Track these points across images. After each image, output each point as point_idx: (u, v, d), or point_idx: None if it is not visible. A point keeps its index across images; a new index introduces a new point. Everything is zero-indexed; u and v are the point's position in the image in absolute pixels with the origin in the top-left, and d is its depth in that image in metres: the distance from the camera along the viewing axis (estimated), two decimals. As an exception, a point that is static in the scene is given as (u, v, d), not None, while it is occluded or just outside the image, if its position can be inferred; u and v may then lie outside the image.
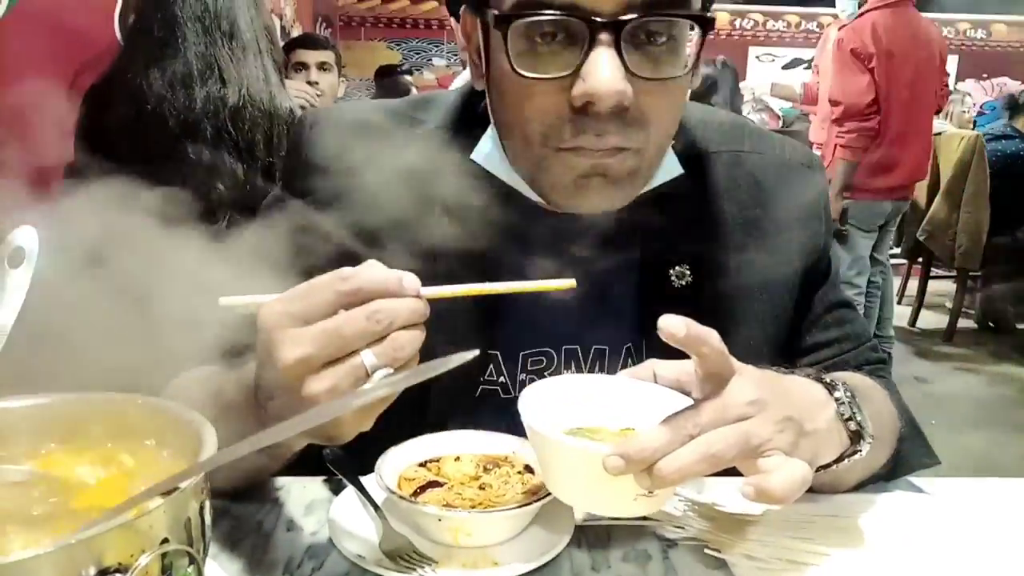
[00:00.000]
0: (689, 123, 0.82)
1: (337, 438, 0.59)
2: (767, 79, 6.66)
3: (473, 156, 0.79)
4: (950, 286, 5.13)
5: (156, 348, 0.62)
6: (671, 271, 0.79)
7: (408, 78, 4.21)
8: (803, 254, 0.84)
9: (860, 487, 0.78)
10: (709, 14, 0.66)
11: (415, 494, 0.69)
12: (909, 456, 0.79)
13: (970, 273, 4.81)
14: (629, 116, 0.66)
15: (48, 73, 1.77)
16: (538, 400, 0.64)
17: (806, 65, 6.81)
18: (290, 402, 0.54)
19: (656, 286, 0.79)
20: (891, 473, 0.79)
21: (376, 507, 0.70)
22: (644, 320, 0.77)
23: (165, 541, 0.39)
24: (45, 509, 0.44)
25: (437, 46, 6.53)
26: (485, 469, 0.73)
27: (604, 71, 0.62)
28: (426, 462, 0.75)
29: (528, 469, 0.73)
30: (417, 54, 6.59)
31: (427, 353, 0.74)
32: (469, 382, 0.82)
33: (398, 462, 0.73)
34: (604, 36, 0.62)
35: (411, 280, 0.56)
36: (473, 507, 0.67)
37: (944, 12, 6.57)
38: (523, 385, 0.80)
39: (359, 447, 0.63)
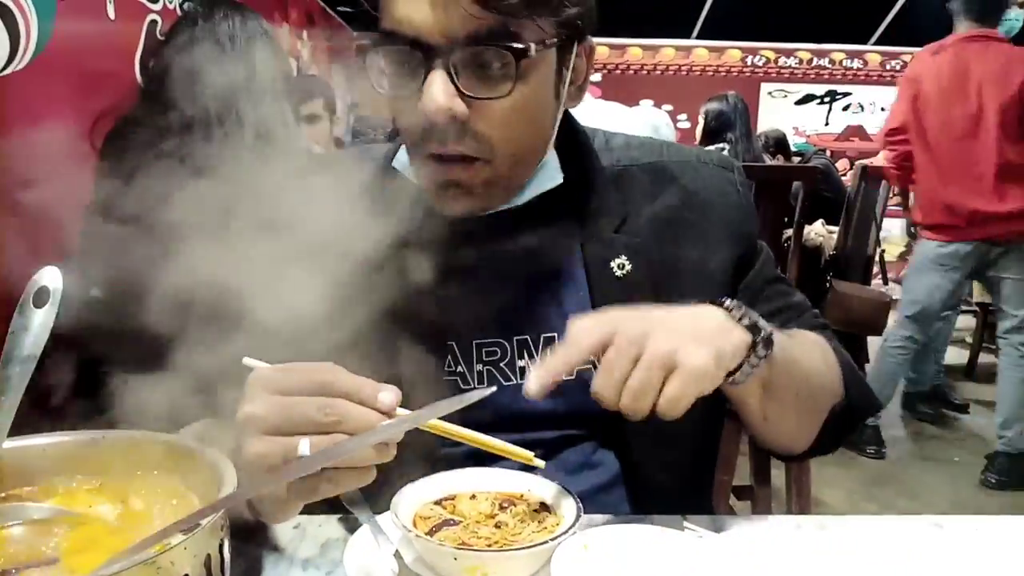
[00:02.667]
0: (613, 144, 0.95)
1: (269, 515, 0.65)
2: (779, 114, 6.72)
3: (394, 162, 0.89)
4: (970, 321, 5.07)
5: (172, 390, 0.63)
6: (612, 263, 0.87)
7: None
8: (731, 242, 0.92)
9: (829, 440, 0.88)
10: (525, 46, 0.74)
11: (431, 532, 0.69)
12: (858, 397, 0.89)
13: (989, 307, 4.76)
14: (469, 129, 0.76)
15: (71, 116, 1.82)
16: (570, 558, 0.63)
17: (819, 100, 6.85)
18: (236, 454, 0.58)
19: (601, 275, 0.87)
20: (847, 411, 0.88)
21: (392, 545, 0.70)
22: (592, 307, 0.86)
23: (185, 578, 0.39)
24: (67, 546, 0.44)
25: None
26: (501, 507, 0.73)
27: (435, 92, 0.73)
28: (441, 500, 0.74)
29: (544, 507, 0.73)
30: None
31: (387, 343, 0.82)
32: (431, 374, 0.85)
33: (413, 500, 0.73)
34: (438, 63, 0.73)
35: (388, 398, 0.61)
36: (489, 546, 0.67)
37: None
38: (480, 376, 0.87)
39: (374, 485, 0.63)
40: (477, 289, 0.86)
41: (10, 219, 1.82)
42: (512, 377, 0.87)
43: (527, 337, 0.87)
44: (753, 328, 0.72)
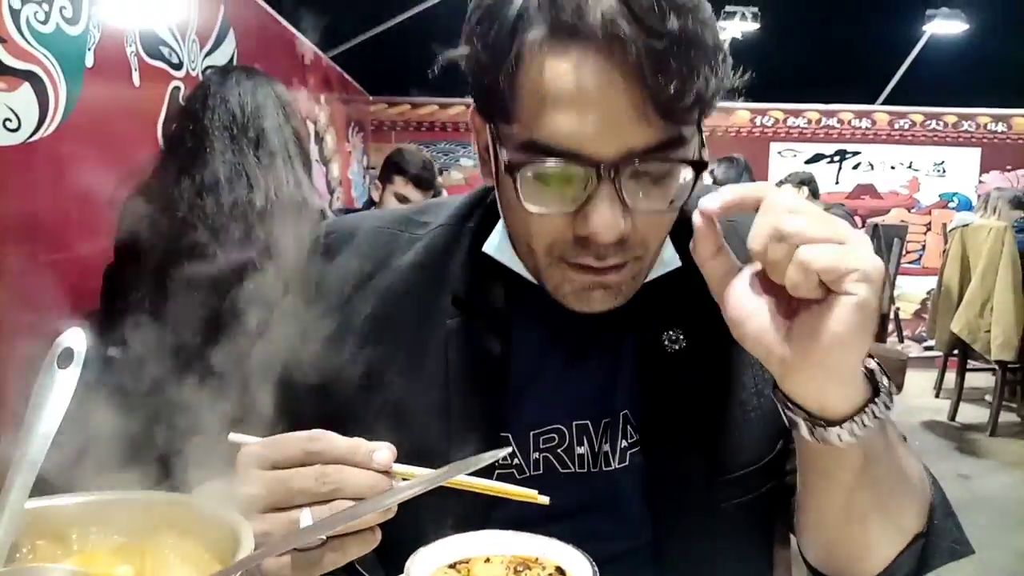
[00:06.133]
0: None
1: None
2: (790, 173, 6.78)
3: (485, 247, 0.83)
4: (989, 379, 5.00)
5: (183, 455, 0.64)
6: (664, 337, 0.82)
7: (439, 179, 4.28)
8: None
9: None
10: (698, 156, 0.71)
11: (445, 593, 0.68)
12: (943, 537, 0.75)
13: (1009, 365, 4.71)
14: (627, 241, 0.71)
15: (95, 180, 1.86)
16: None
17: (828, 160, 6.90)
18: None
19: (653, 354, 0.82)
20: (928, 549, 0.74)
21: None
22: (642, 386, 0.82)
23: (201, 641, 0.39)
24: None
25: (465, 148, 6.72)
26: (516, 571, 0.72)
27: (605, 213, 0.67)
28: (456, 563, 0.74)
29: (559, 571, 0.72)
30: (445, 155, 6.79)
31: (431, 431, 0.79)
32: (485, 467, 0.82)
33: (428, 563, 0.72)
34: (605, 179, 0.67)
35: (382, 457, 0.60)
36: (504, 608, 0.66)
37: (968, 107, 6.68)
38: (536, 464, 0.83)
39: (388, 548, 0.63)
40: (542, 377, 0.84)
41: (35, 278, 1.86)
42: (570, 465, 0.84)
43: (587, 422, 0.84)
44: (873, 376, 0.65)
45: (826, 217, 0.60)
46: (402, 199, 3.37)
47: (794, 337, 0.62)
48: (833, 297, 0.59)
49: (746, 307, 0.64)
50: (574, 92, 0.66)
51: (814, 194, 4.82)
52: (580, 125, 0.66)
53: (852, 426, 0.63)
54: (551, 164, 0.68)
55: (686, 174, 0.70)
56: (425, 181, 3.43)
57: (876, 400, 0.64)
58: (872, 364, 0.65)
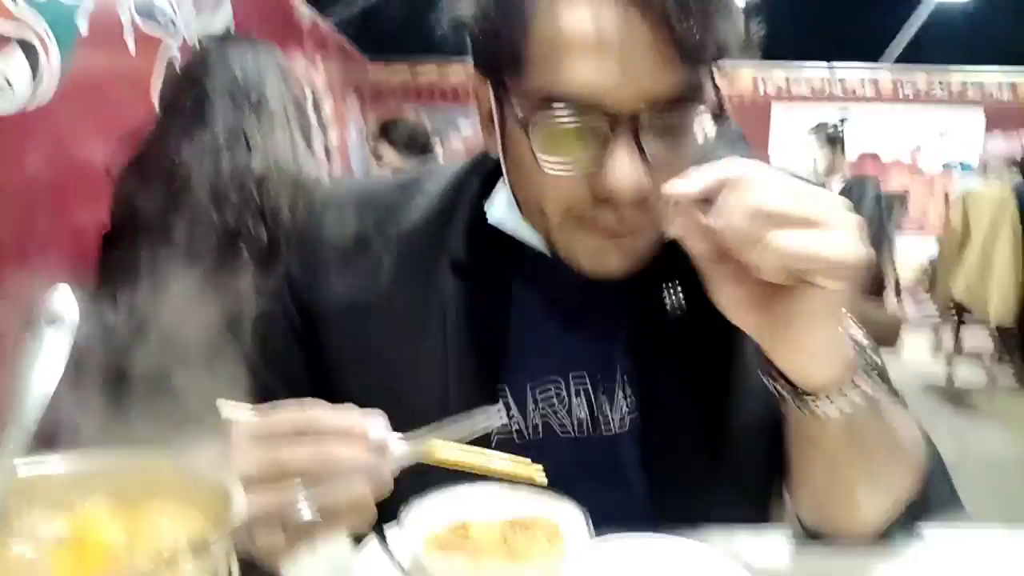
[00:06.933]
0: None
1: (269, 563, 0.62)
2: (792, 138, 6.72)
3: (488, 214, 0.82)
4: (986, 341, 5.02)
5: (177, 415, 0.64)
6: (665, 298, 0.79)
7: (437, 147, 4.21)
8: None
9: (886, 535, 0.75)
10: (718, 98, 0.69)
11: (441, 550, 0.69)
12: (937, 494, 0.77)
13: (1007, 328, 4.71)
14: (648, 200, 0.68)
15: (91, 147, 1.85)
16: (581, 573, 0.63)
17: (831, 126, 6.84)
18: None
19: (653, 315, 0.80)
20: (920, 506, 0.76)
21: (402, 562, 0.69)
22: (642, 347, 0.81)
23: (194, 598, 0.40)
24: (79, 567, 0.45)
25: (465, 114, 6.67)
26: (512, 526, 0.73)
27: (626, 168, 0.65)
28: (452, 517, 0.74)
29: (555, 530, 0.73)
30: (445, 121, 6.74)
31: (428, 391, 0.79)
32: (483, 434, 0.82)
33: (424, 516, 0.73)
34: (625, 130, 0.64)
35: (377, 431, 0.59)
36: (500, 564, 0.67)
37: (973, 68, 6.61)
38: (536, 429, 0.82)
39: (384, 501, 0.63)
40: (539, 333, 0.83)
41: (31, 245, 1.85)
42: (569, 429, 0.83)
43: (584, 374, 0.83)
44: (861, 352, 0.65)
45: (803, 194, 0.58)
46: (391, 169, 3.33)
47: (768, 311, 0.62)
48: (802, 284, 0.58)
49: (721, 273, 0.64)
50: (593, 37, 0.63)
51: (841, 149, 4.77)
52: (600, 73, 0.63)
53: (833, 400, 0.64)
54: (569, 117, 0.65)
55: (705, 125, 0.67)
56: (414, 151, 3.37)
57: (857, 378, 0.64)
58: (862, 339, 0.64)
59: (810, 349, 0.62)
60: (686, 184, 0.61)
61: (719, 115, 0.69)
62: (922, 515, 0.76)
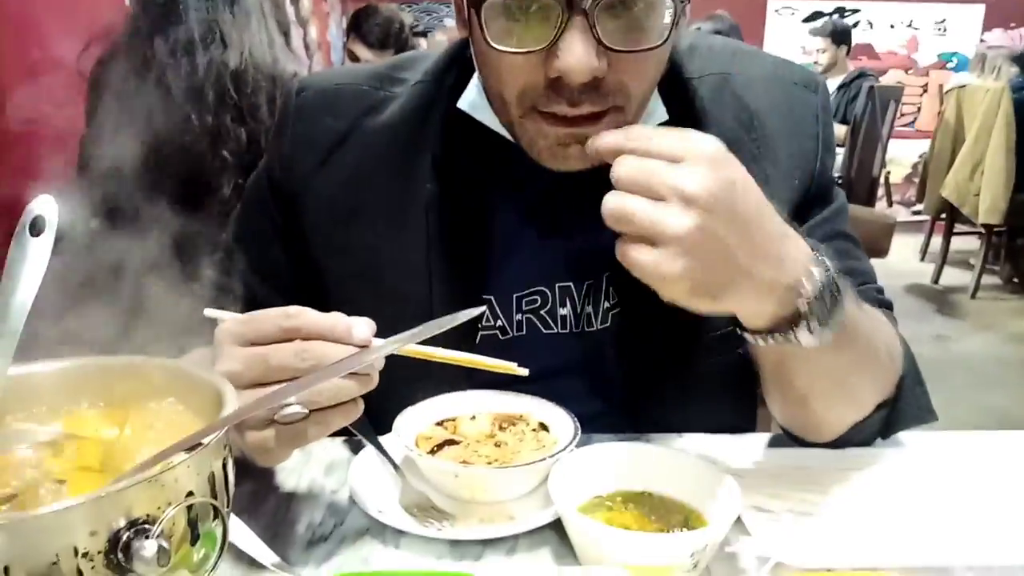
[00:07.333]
0: (675, 51, 0.81)
1: (261, 461, 0.63)
2: (787, 33, 6.55)
3: (459, 103, 0.80)
4: (974, 243, 5.05)
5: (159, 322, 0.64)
6: None
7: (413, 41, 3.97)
8: (793, 174, 0.82)
9: (857, 439, 0.77)
10: None
11: (433, 451, 0.71)
12: (909, 405, 0.78)
13: (995, 229, 4.74)
14: (605, 85, 0.66)
15: (62, 44, 1.78)
16: (566, 472, 0.64)
17: (826, 17, 6.66)
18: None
19: None
20: (892, 417, 0.77)
21: (395, 465, 0.71)
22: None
23: (190, 495, 0.41)
24: (74, 467, 0.46)
25: (448, 8, 6.45)
26: (500, 427, 0.75)
27: (577, 49, 0.63)
28: (443, 421, 0.76)
29: (542, 427, 0.75)
30: (428, 15, 6.52)
31: (412, 300, 0.79)
32: (468, 329, 0.82)
33: (415, 421, 0.75)
34: (577, 11, 0.62)
35: (362, 331, 0.59)
36: (489, 463, 0.69)
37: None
38: (520, 325, 0.83)
39: (377, 408, 0.65)
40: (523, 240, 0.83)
41: (4, 150, 1.81)
42: (553, 326, 0.84)
43: (569, 284, 0.84)
44: (829, 289, 0.63)
45: (653, 160, 0.57)
46: (358, 61, 3.12)
47: None
48: None
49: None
50: None
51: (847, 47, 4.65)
52: None
53: (769, 338, 0.64)
54: None
55: (667, 10, 0.64)
56: (388, 48, 3.16)
57: (794, 327, 0.63)
58: (807, 290, 0.62)
59: (741, 304, 0.62)
60: (605, 138, 0.61)
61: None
62: (896, 423, 0.78)
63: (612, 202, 0.58)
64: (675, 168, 0.57)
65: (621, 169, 0.58)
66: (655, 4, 0.64)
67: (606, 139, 0.61)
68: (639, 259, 0.58)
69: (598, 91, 0.66)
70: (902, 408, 0.77)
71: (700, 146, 0.58)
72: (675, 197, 0.56)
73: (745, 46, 0.90)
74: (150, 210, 0.82)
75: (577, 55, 0.63)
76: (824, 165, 0.84)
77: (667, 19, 0.65)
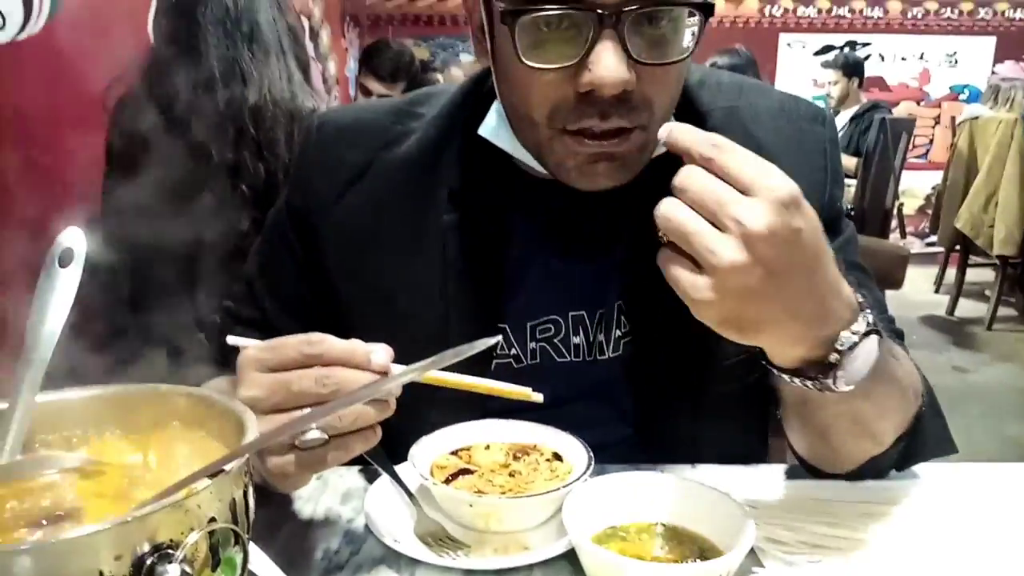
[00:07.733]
0: (687, 85, 0.82)
1: (281, 486, 0.64)
2: (798, 66, 6.59)
3: (480, 131, 0.81)
4: (989, 275, 5.02)
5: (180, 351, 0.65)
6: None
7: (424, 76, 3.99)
8: None
9: (875, 471, 0.76)
10: (708, 2, 0.67)
11: (447, 481, 0.71)
12: (929, 436, 0.77)
13: (1010, 260, 4.71)
14: (632, 99, 0.68)
15: (85, 81, 1.82)
16: (580, 502, 0.64)
17: (838, 51, 6.70)
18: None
19: (648, 242, 0.80)
20: (911, 449, 0.76)
21: (410, 494, 0.72)
22: (636, 276, 0.80)
23: (212, 520, 0.41)
24: (98, 494, 0.47)
25: (464, 42, 6.54)
26: (514, 457, 0.75)
27: (609, 61, 0.64)
28: (457, 450, 0.77)
29: (556, 456, 0.75)
30: (445, 50, 6.61)
31: (429, 328, 0.80)
32: (483, 357, 0.82)
33: (430, 450, 0.75)
34: (608, 25, 0.64)
35: (381, 357, 0.61)
36: (503, 493, 0.69)
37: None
38: (533, 354, 0.85)
39: (391, 433, 0.65)
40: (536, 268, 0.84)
41: (29, 182, 1.85)
42: (566, 354, 0.85)
43: (582, 313, 0.85)
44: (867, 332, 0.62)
45: (717, 181, 0.56)
46: (370, 95, 3.17)
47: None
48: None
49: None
50: None
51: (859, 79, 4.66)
52: None
53: (796, 379, 0.64)
54: (550, 9, 0.65)
55: (693, 24, 0.67)
56: (400, 81, 3.19)
57: (822, 375, 0.62)
58: (848, 338, 0.61)
59: (771, 344, 0.62)
60: (683, 131, 0.59)
61: (708, 6, 0.66)
62: (915, 455, 0.78)
63: (670, 212, 0.57)
64: (743, 201, 0.55)
65: (689, 182, 0.56)
66: (680, 19, 0.67)
67: (685, 133, 0.58)
68: (679, 278, 0.57)
69: (627, 105, 0.68)
70: (922, 440, 0.76)
71: (775, 183, 0.56)
72: (736, 230, 0.55)
73: (752, 81, 0.92)
74: (170, 243, 0.84)
75: (609, 67, 0.64)
76: (833, 197, 0.85)
77: (690, 34, 0.67)
